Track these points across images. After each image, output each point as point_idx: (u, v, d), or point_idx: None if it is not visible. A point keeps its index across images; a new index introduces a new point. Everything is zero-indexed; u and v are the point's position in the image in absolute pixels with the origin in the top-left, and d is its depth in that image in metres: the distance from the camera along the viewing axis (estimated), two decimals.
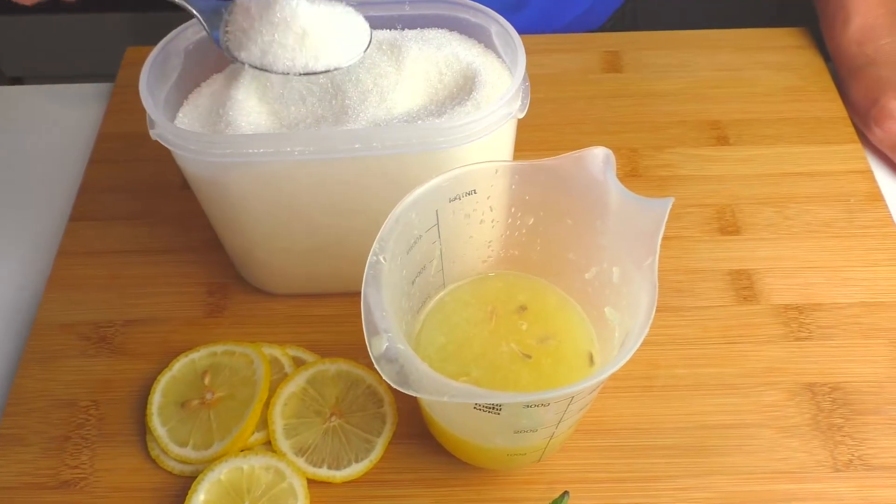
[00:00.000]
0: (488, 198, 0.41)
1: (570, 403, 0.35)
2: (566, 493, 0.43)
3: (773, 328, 0.52)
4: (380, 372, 0.33)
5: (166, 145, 0.41)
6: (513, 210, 0.42)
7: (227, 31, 0.43)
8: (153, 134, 0.41)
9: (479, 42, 0.47)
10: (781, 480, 0.45)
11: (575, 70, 0.68)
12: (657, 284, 0.35)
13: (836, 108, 0.64)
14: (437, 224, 0.40)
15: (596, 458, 0.47)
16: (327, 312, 0.53)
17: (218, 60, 0.47)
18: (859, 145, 0.61)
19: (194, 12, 0.43)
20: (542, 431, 0.38)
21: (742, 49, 0.69)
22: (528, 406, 0.34)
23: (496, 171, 0.39)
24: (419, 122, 0.42)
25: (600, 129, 0.63)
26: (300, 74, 0.42)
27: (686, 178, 0.60)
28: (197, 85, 0.47)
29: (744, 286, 0.54)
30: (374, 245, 0.36)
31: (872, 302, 0.53)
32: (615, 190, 0.38)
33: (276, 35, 0.40)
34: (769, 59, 0.68)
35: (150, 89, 0.42)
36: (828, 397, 0.49)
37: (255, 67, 0.42)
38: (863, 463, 0.46)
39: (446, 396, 0.31)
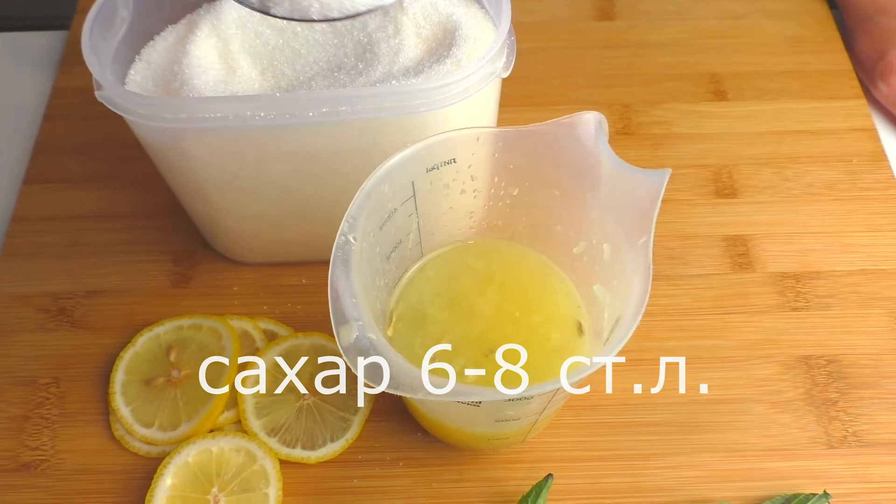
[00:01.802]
0: (469, 167, 0.37)
1: (554, 395, 0.33)
2: (550, 476, 0.41)
3: (768, 297, 0.49)
4: (349, 365, 0.30)
5: (114, 109, 0.37)
6: (496, 179, 0.38)
7: None
8: (99, 96, 0.37)
9: None
10: (773, 458, 0.44)
11: (565, 17, 0.63)
12: (651, 268, 0.32)
13: (841, 60, 0.60)
14: (414, 196, 0.37)
15: (582, 436, 0.45)
16: (301, 282, 0.50)
17: (172, 10, 0.43)
18: (864, 101, 0.58)
19: None
20: (525, 419, 0.36)
21: None
22: (510, 399, 0.31)
23: (478, 139, 0.36)
24: (393, 81, 0.38)
25: (591, 83, 0.59)
26: (334, 19, 0.36)
27: (681, 137, 0.56)
28: (150, 38, 0.43)
29: (739, 253, 0.51)
30: (342, 224, 0.32)
31: (872, 269, 0.50)
32: (607, 159, 0.35)
33: None
34: (771, 7, 0.64)
35: (94, 46, 0.38)
36: (823, 370, 0.47)
37: (258, 10, 0.36)
38: (857, 439, 0.44)
39: (420, 393, 0.29)
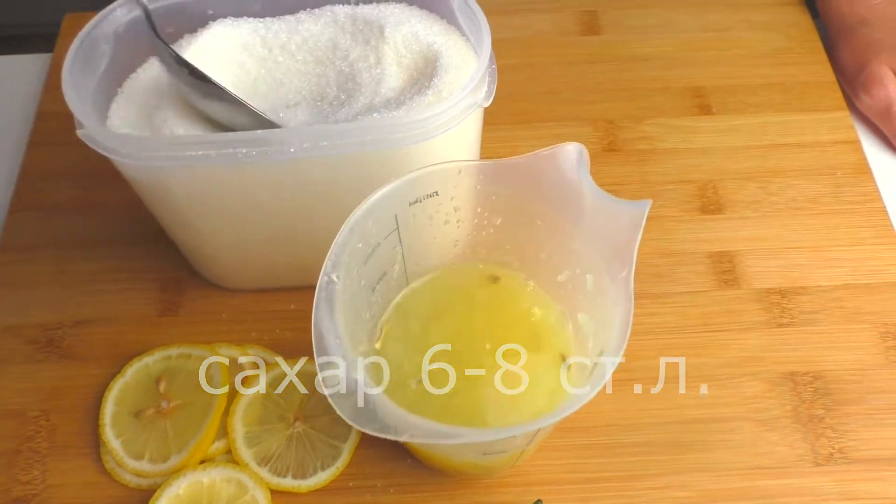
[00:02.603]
0: (452, 199, 0.37)
1: (538, 431, 0.33)
2: (538, 502, 0.41)
3: (754, 314, 0.50)
4: (334, 407, 0.30)
5: (96, 149, 0.37)
6: (479, 210, 0.39)
7: None
8: (81, 135, 0.37)
9: (442, 17, 0.43)
10: (761, 476, 0.44)
11: (549, 32, 0.63)
12: (633, 301, 0.32)
13: (824, 71, 0.60)
14: (398, 229, 0.37)
15: (572, 458, 0.45)
16: (289, 307, 0.50)
17: (153, 42, 0.43)
18: (847, 112, 0.58)
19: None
20: (511, 452, 0.36)
21: (729, 6, 0.64)
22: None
23: (459, 172, 0.36)
24: (375, 114, 0.38)
25: (577, 98, 0.60)
26: None
27: (666, 152, 0.57)
28: (132, 71, 0.43)
29: (725, 269, 0.51)
30: (326, 263, 0.33)
31: (857, 284, 0.51)
32: (589, 190, 0.35)
33: None
34: (755, 18, 0.64)
35: (75, 83, 0.38)
36: (809, 387, 0.47)
37: None
38: (843, 456, 0.45)
39: (405, 436, 0.29)
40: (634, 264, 0.33)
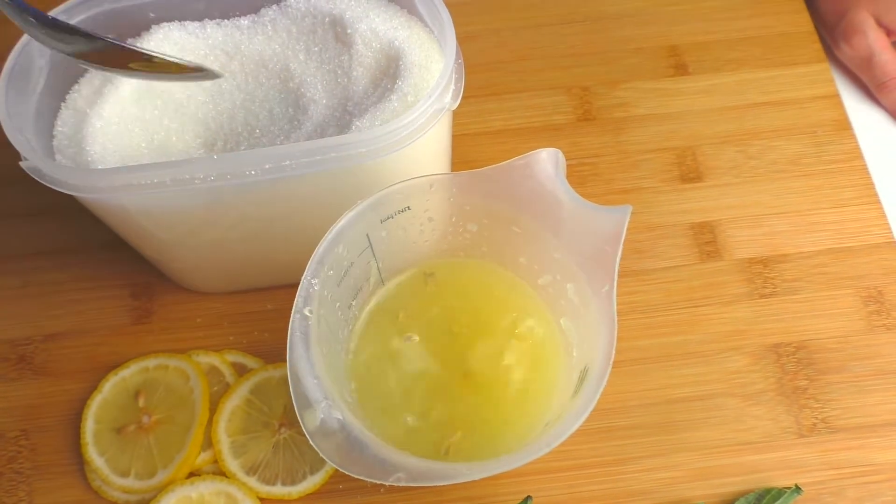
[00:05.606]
0: (426, 211, 0.36)
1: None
2: (528, 498, 0.41)
3: (737, 286, 0.49)
4: (317, 450, 0.30)
5: (42, 182, 0.35)
6: (454, 219, 0.37)
7: None
8: (25, 167, 0.35)
9: (402, 8, 0.40)
10: (747, 451, 0.45)
11: None
12: (616, 319, 0.31)
13: (803, 20, 0.58)
14: (371, 246, 0.36)
15: (561, 446, 0.45)
16: (266, 308, 0.49)
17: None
18: (827, 65, 0.56)
19: None
20: None
21: None
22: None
23: (431, 186, 0.35)
24: (338, 126, 0.36)
25: (549, 65, 0.57)
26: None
27: (643, 119, 0.55)
28: (73, 82, 0.40)
29: (707, 241, 0.51)
30: (296, 300, 0.31)
31: (839, 248, 0.50)
32: (566, 197, 0.34)
33: None
34: None
35: (12, 111, 0.35)
36: (792, 358, 0.47)
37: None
38: (826, 426, 0.45)
39: (392, 478, 0.28)
40: (616, 277, 0.32)
